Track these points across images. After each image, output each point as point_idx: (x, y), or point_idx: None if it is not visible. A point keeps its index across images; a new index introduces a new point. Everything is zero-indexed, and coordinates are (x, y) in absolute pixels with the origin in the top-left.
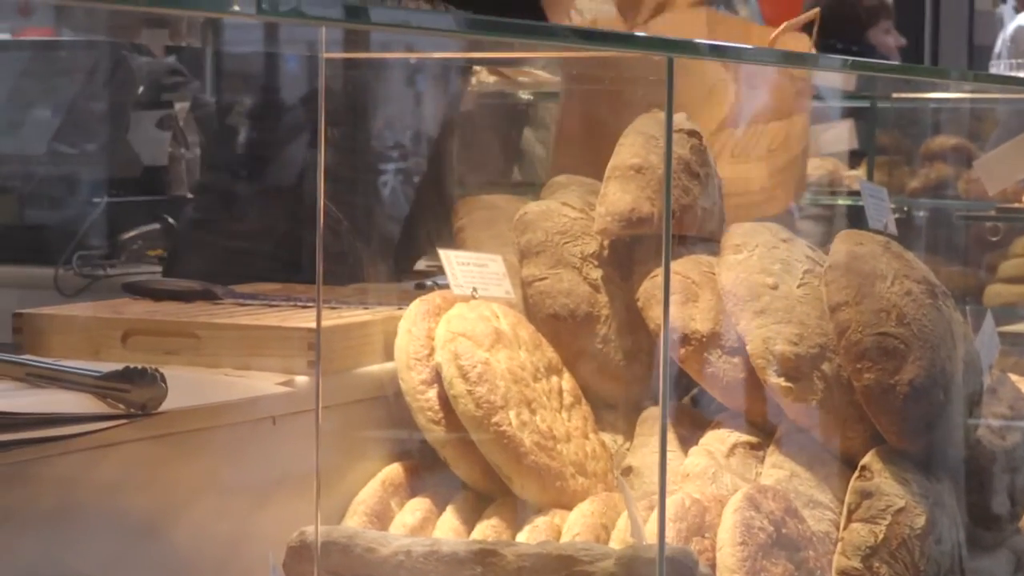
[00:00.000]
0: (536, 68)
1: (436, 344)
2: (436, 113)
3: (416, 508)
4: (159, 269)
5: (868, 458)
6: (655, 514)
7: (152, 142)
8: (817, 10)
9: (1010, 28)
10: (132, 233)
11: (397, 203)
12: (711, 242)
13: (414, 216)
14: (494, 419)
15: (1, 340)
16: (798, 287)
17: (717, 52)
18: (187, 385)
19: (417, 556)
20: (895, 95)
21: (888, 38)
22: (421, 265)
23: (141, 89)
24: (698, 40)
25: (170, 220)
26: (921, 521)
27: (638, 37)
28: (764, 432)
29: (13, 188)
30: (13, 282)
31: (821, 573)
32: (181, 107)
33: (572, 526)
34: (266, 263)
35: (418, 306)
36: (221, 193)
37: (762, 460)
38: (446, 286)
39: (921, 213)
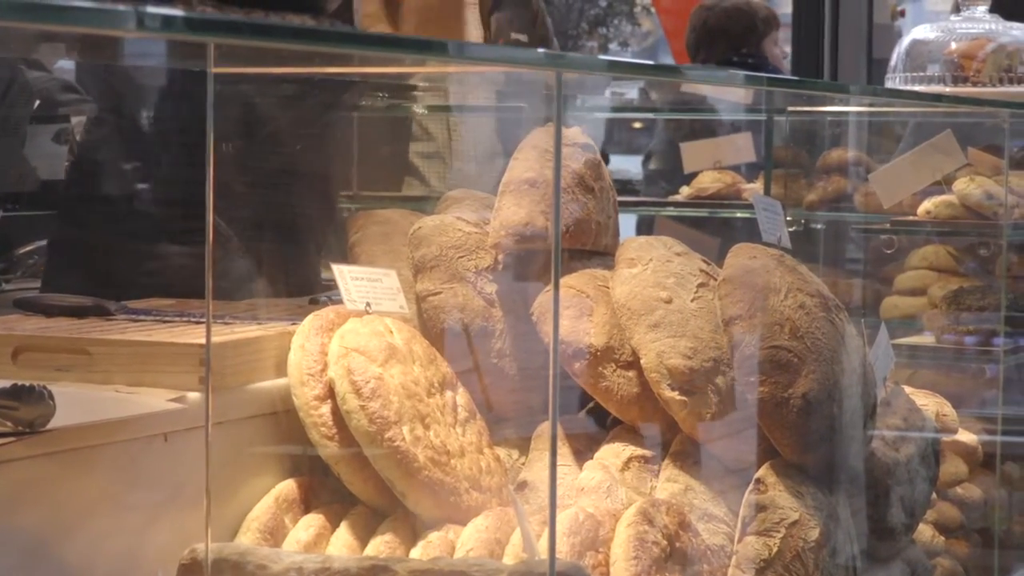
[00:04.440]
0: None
1: (329, 359)
2: (322, 126)
3: (310, 524)
4: None
5: (762, 471)
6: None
7: (49, 156)
8: None
9: (905, 42)
10: (28, 248)
11: (287, 218)
12: (606, 256)
13: (304, 231)
14: (387, 434)
15: None
16: (692, 301)
17: (604, 67)
18: (77, 402)
19: (309, 573)
20: (791, 108)
21: (776, 49)
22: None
23: (37, 103)
24: (585, 55)
25: None
26: (815, 534)
27: (527, 53)
28: (659, 446)
29: None
30: None
31: None
32: (78, 121)
33: (466, 541)
34: (154, 279)
35: (311, 321)
36: (103, 206)
37: (657, 474)
38: (340, 301)
39: (818, 226)
